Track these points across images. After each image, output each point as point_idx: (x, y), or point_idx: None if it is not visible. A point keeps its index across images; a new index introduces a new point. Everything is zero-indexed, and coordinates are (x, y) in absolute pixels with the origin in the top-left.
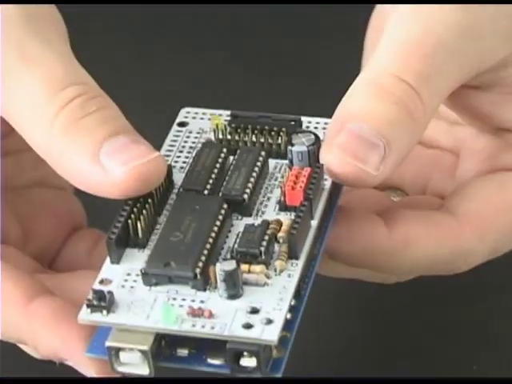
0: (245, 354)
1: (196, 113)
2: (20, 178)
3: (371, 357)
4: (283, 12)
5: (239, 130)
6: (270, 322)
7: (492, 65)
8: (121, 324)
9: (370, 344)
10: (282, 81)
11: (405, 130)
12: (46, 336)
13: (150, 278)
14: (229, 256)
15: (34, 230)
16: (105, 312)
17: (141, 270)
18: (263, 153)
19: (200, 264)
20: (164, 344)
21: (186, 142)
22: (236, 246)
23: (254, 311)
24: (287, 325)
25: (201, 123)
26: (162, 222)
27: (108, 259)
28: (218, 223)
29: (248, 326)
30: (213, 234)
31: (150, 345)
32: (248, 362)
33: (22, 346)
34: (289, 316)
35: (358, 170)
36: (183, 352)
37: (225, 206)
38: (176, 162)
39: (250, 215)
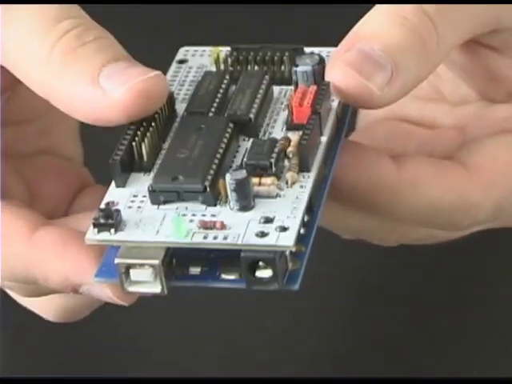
0: (260, 264)
1: (195, 50)
2: (24, 145)
3: (371, 357)
4: None
5: (241, 60)
6: (284, 229)
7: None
8: (130, 241)
9: (370, 344)
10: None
11: (415, 57)
12: (55, 262)
13: (158, 195)
14: None
15: (39, 192)
16: (112, 230)
17: (148, 188)
18: (267, 76)
19: (209, 177)
20: (175, 263)
21: (186, 76)
22: (245, 159)
23: (268, 221)
24: (302, 238)
25: (201, 60)
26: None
27: (113, 183)
28: (225, 140)
29: (262, 235)
30: (220, 151)
31: (161, 259)
32: (264, 273)
33: (26, 303)
34: (302, 231)
35: (363, 86)
36: (195, 270)
37: (231, 125)
38: (177, 94)
39: (257, 136)
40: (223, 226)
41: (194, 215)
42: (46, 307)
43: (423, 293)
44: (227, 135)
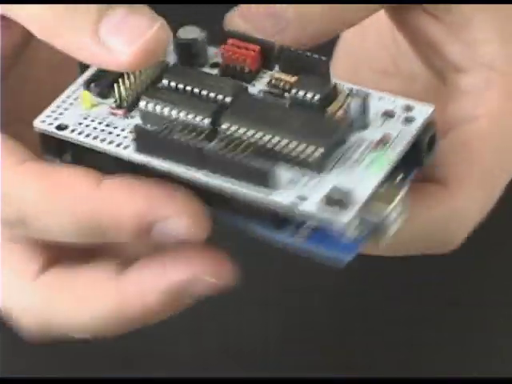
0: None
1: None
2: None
3: (371, 357)
4: None
5: None
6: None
7: None
8: None
9: (370, 344)
10: None
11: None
12: (127, 201)
13: None
14: None
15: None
16: None
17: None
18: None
19: None
20: None
21: None
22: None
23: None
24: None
25: None
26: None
27: None
28: None
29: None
30: None
31: None
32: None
33: None
34: None
35: None
36: None
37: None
38: None
39: None
40: None
41: None
42: (22, 313)
43: (423, 292)
44: None
